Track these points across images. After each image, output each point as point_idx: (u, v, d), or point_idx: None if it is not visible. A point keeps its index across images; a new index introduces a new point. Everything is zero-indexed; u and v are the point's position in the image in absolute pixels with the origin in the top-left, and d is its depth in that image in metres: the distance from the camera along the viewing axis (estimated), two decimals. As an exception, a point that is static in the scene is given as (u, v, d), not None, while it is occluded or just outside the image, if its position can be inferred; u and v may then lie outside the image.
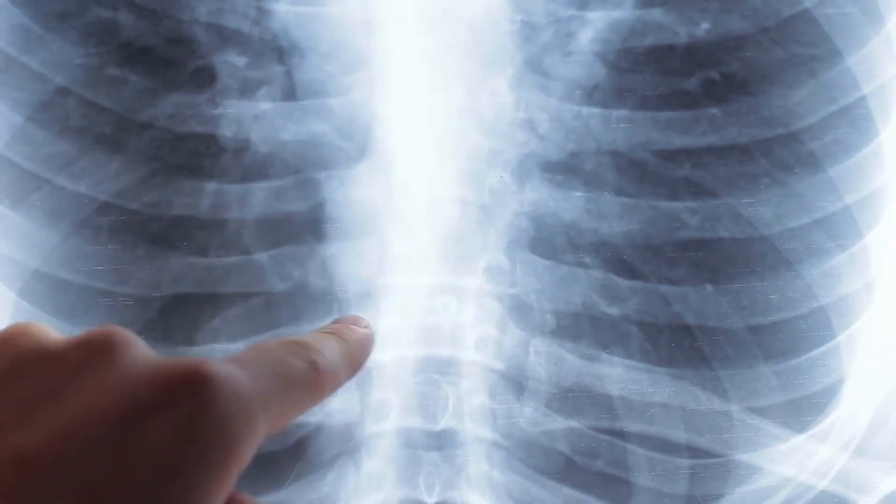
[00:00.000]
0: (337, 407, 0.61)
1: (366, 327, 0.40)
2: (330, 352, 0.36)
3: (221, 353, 0.60)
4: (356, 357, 0.38)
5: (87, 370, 0.29)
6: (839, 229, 0.62)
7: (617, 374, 0.62)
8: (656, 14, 0.61)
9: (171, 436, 0.28)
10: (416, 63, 0.60)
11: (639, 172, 0.62)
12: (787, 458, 0.63)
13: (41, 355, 0.30)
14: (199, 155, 0.59)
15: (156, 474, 0.27)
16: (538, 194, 0.61)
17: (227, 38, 0.59)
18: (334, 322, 0.40)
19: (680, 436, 0.62)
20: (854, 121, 0.62)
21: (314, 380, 0.34)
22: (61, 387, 0.29)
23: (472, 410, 0.62)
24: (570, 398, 0.62)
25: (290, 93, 0.60)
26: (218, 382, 0.29)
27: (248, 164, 0.59)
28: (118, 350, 0.30)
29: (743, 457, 0.63)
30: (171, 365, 0.29)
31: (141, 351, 0.30)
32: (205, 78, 0.59)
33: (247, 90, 0.59)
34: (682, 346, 0.62)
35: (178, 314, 0.60)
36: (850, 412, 0.63)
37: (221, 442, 0.28)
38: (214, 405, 0.28)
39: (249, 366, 0.31)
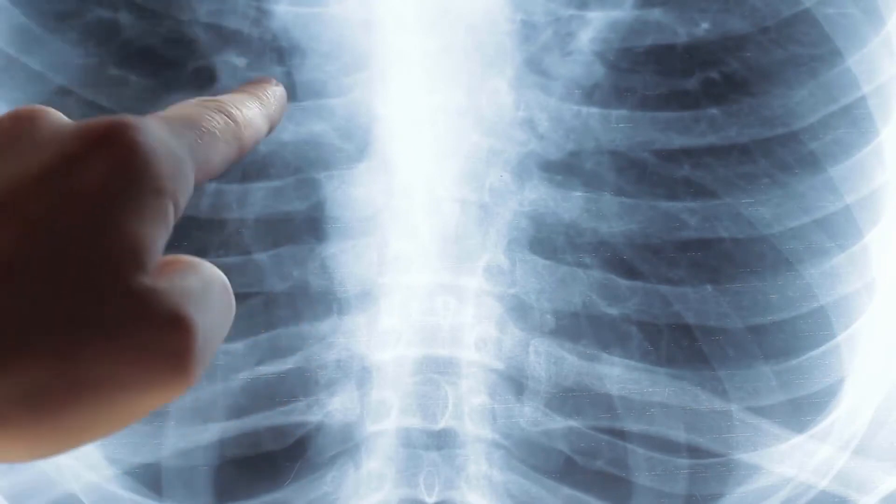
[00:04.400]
0: (336, 407, 0.61)
1: (276, 85, 0.42)
2: (246, 106, 0.37)
3: (221, 353, 0.60)
4: (272, 111, 0.40)
5: (15, 133, 0.30)
6: (839, 229, 0.62)
7: (617, 374, 0.62)
8: (656, 14, 0.61)
9: (103, 175, 0.29)
10: (415, 63, 0.60)
11: (638, 172, 0.62)
12: (787, 458, 0.63)
13: None
14: (199, 155, 0.59)
15: (91, 210, 0.28)
16: (538, 194, 0.61)
17: (228, 38, 0.59)
18: (246, 83, 0.42)
19: (680, 435, 0.62)
20: (854, 121, 0.62)
21: (235, 130, 0.36)
22: None
23: (471, 410, 0.62)
24: (569, 398, 0.62)
25: (290, 93, 0.60)
26: (140, 127, 0.30)
27: (248, 164, 0.59)
28: (40, 116, 0.31)
29: (743, 456, 0.63)
30: (93, 120, 0.30)
31: (60, 117, 0.31)
32: (205, 78, 0.59)
33: (247, 90, 0.59)
34: (682, 345, 0.62)
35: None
36: (850, 412, 0.63)
37: (150, 177, 0.29)
38: (140, 146, 0.30)
39: (168, 118, 0.33)
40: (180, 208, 0.31)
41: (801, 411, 0.63)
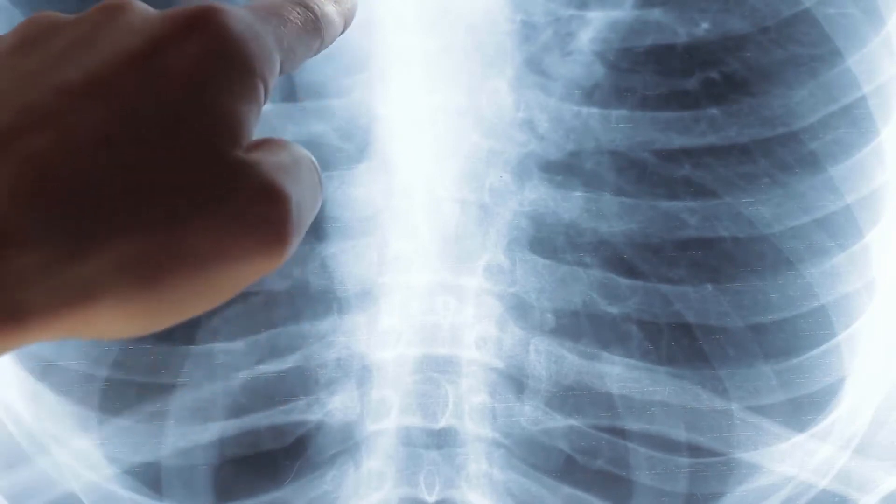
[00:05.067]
0: (337, 406, 0.61)
1: None
2: (325, 3, 0.38)
3: (222, 353, 0.60)
4: (346, 10, 0.41)
5: (106, 22, 0.31)
6: (840, 229, 0.62)
7: (617, 373, 0.62)
8: (656, 14, 0.61)
9: (196, 56, 0.30)
10: (415, 63, 0.60)
11: (638, 172, 0.62)
12: (787, 457, 0.63)
13: (62, 22, 0.32)
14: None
15: (185, 87, 0.29)
16: (538, 194, 0.61)
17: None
18: None
19: (680, 434, 0.62)
20: (854, 120, 0.62)
21: (316, 24, 0.37)
22: (87, 37, 0.30)
23: (472, 409, 0.62)
24: (570, 397, 0.62)
25: (290, 93, 0.60)
26: (228, 11, 0.31)
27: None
28: (128, 5, 0.32)
29: (743, 455, 0.63)
30: (180, 7, 0.31)
31: (148, 8, 0.32)
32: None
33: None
34: (682, 345, 0.62)
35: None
36: (850, 411, 0.63)
37: (241, 56, 0.31)
38: (229, 27, 0.31)
39: (254, 8, 0.34)
40: (269, 90, 0.32)
41: (802, 410, 0.63)
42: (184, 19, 0.31)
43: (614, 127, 0.61)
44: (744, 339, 0.62)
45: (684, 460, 0.62)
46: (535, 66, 0.61)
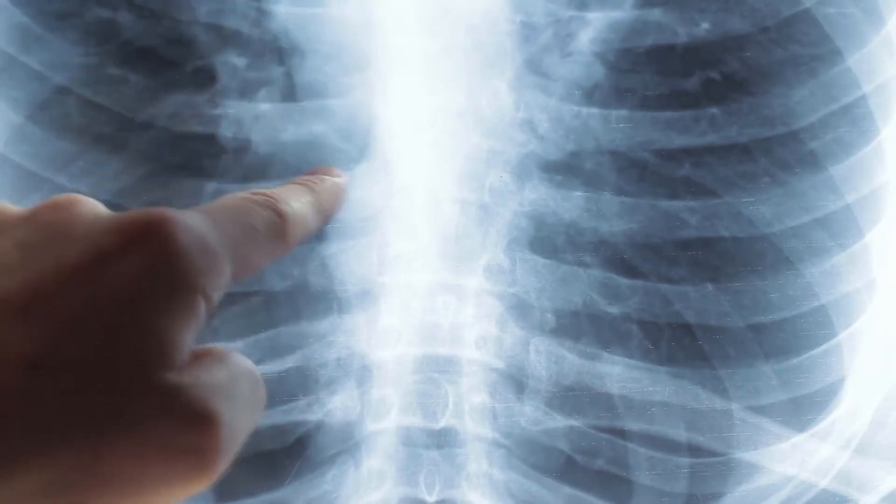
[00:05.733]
0: (337, 405, 0.62)
1: (338, 176, 0.41)
2: (296, 200, 0.37)
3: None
4: (326, 206, 0.39)
5: (50, 227, 0.30)
6: (840, 228, 0.62)
7: (617, 373, 0.62)
8: (656, 14, 0.61)
9: (136, 273, 0.29)
10: (415, 64, 0.60)
11: (639, 172, 0.62)
12: (787, 457, 0.63)
13: (9, 219, 0.31)
14: (199, 155, 0.59)
15: (122, 309, 0.28)
16: (538, 194, 0.62)
17: (227, 38, 0.59)
18: (305, 174, 0.41)
19: (680, 434, 0.62)
20: (854, 120, 0.62)
21: (281, 227, 0.35)
22: (30, 241, 0.30)
23: (472, 409, 0.62)
24: (570, 397, 0.62)
25: (290, 94, 0.60)
26: (178, 223, 0.30)
27: (248, 164, 0.59)
28: (76, 206, 0.31)
29: (744, 455, 0.63)
30: (131, 213, 0.30)
31: (98, 207, 0.32)
32: (205, 78, 0.59)
33: (247, 91, 0.59)
34: (682, 344, 0.62)
35: (178, 313, 0.60)
36: (850, 411, 0.63)
37: (184, 274, 0.29)
38: (176, 242, 0.30)
39: (210, 212, 0.33)
40: (214, 303, 0.31)
41: (802, 410, 0.63)
42: (130, 229, 0.30)
43: (614, 127, 0.61)
44: (744, 339, 0.62)
45: (684, 460, 0.62)
46: (535, 67, 0.61)
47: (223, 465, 0.29)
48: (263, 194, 0.36)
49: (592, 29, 0.61)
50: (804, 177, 0.62)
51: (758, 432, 0.63)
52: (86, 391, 0.27)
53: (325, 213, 0.39)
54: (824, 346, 0.63)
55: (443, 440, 0.62)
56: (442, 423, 0.62)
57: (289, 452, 0.61)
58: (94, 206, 0.31)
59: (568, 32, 0.61)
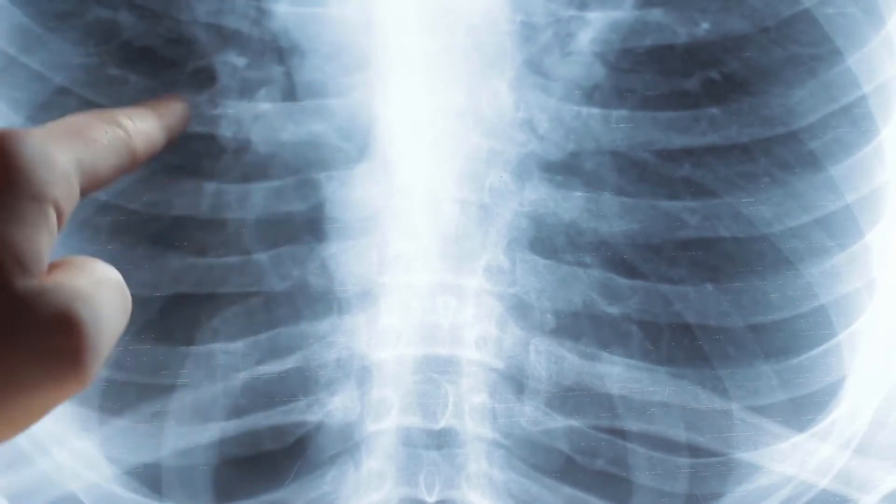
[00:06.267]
0: (337, 406, 0.62)
1: (178, 100, 0.42)
2: (139, 117, 0.38)
3: (221, 353, 0.60)
4: (170, 122, 0.40)
5: None
6: (840, 228, 0.62)
7: (617, 373, 0.62)
8: (656, 14, 0.61)
9: None
10: (415, 64, 0.60)
11: (639, 172, 0.62)
12: (787, 457, 0.63)
13: None
14: (199, 155, 0.59)
15: None
16: (538, 194, 0.61)
17: (227, 38, 0.59)
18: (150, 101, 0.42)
19: (680, 434, 0.62)
20: (854, 120, 0.62)
21: (124, 139, 0.36)
22: None
23: (472, 409, 0.62)
24: (570, 397, 0.62)
25: (290, 93, 0.60)
26: (19, 138, 0.31)
27: (248, 164, 0.59)
28: None
29: (743, 455, 0.63)
30: None
31: None
32: (205, 78, 0.59)
33: (247, 91, 0.59)
34: (682, 344, 0.62)
35: (178, 314, 0.60)
36: (851, 411, 0.63)
37: (28, 184, 0.30)
38: (16, 154, 0.30)
39: (51, 129, 0.33)
40: (65, 214, 0.32)
41: (802, 410, 0.63)
42: None
43: (614, 127, 0.61)
44: (744, 339, 0.62)
45: (684, 460, 0.62)
46: (535, 67, 0.61)
47: (93, 366, 0.30)
48: (106, 112, 0.37)
49: (592, 29, 0.61)
50: (804, 177, 0.62)
51: (758, 432, 0.63)
52: None
53: (171, 131, 0.40)
54: (824, 346, 0.63)
55: (443, 440, 0.62)
56: (442, 424, 0.62)
57: (289, 453, 0.61)
58: None
59: (568, 32, 0.61)
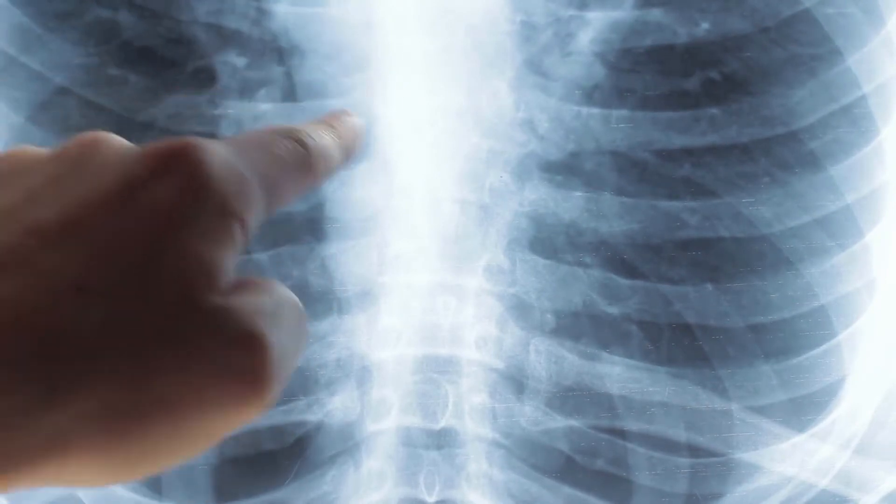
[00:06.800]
0: (337, 406, 0.62)
1: (353, 116, 0.42)
2: (320, 136, 0.37)
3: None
4: (348, 142, 0.39)
5: (81, 158, 0.30)
6: (840, 228, 0.62)
7: (617, 373, 0.62)
8: (656, 14, 0.61)
9: (169, 197, 0.29)
10: (415, 64, 0.60)
11: (639, 172, 0.62)
12: (787, 457, 0.63)
13: (38, 158, 0.31)
14: (199, 155, 0.59)
15: (157, 231, 0.28)
16: (538, 194, 0.61)
17: (227, 38, 0.59)
18: (324, 116, 0.42)
19: (680, 435, 0.62)
20: (854, 120, 0.62)
21: (306, 159, 0.35)
22: (62, 175, 0.30)
23: (472, 409, 0.62)
24: (570, 397, 0.62)
25: (290, 93, 0.60)
26: (205, 149, 0.30)
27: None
28: (103, 141, 0.31)
29: (743, 456, 0.63)
30: (158, 142, 0.30)
31: (123, 140, 0.31)
32: (205, 78, 0.59)
33: (247, 91, 0.59)
34: (682, 345, 0.62)
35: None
36: (850, 411, 0.63)
37: (215, 198, 0.29)
38: (204, 167, 0.29)
39: (236, 142, 0.33)
40: (250, 230, 0.31)
41: (802, 410, 0.63)
42: (160, 157, 0.30)
43: (614, 127, 0.61)
44: (744, 339, 0.62)
45: (684, 460, 0.62)
46: (535, 67, 0.61)
47: (275, 387, 0.29)
48: (287, 128, 0.36)
49: (592, 29, 0.61)
50: (804, 177, 0.62)
51: (758, 432, 0.63)
52: (133, 312, 0.27)
53: (348, 151, 0.39)
54: (824, 346, 0.63)
55: (443, 440, 0.62)
56: (442, 424, 0.62)
57: (289, 453, 0.61)
58: (119, 140, 0.31)
59: (568, 32, 0.61)
